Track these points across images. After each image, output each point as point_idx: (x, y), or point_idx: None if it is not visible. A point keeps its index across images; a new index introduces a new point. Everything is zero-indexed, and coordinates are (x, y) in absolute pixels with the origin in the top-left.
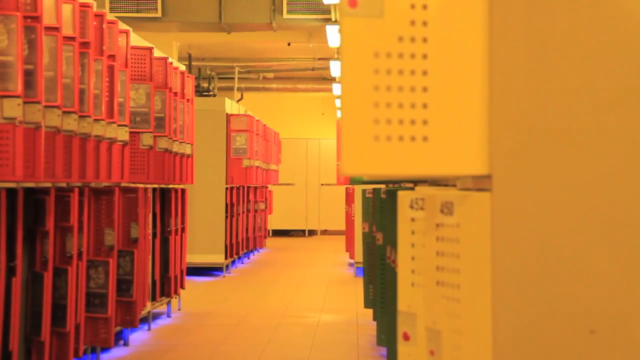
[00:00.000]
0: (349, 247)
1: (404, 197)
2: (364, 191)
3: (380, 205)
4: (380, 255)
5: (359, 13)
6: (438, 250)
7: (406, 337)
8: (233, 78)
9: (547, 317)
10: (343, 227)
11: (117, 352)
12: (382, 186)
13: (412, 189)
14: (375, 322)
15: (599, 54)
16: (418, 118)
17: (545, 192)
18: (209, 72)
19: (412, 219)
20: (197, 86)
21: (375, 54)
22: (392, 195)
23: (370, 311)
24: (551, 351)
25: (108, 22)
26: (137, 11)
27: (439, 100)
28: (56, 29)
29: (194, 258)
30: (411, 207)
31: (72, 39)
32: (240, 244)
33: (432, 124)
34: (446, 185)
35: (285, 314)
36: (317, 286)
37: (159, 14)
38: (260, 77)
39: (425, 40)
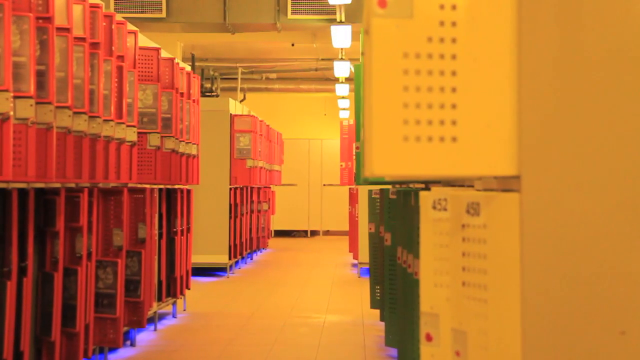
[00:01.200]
0: (353, 248)
1: (426, 198)
2: (370, 192)
3: (389, 206)
4: (389, 256)
5: (389, 14)
6: (464, 251)
7: (429, 338)
8: (236, 78)
9: (577, 318)
10: (345, 228)
11: (124, 352)
12: (389, 187)
13: (424, 189)
14: (382, 323)
15: (629, 52)
16: (447, 118)
17: (575, 193)
18: (212, 72)
19: (435, 220)
20: (200, 87)
21: (404, 55)
22: (404, 196)
23: (376, 312)
24: (581, 352)
25: (117, 23)
26: (142, 11)
27: (468, 100)
28: (67, 29)
29: (197, 258)
30: (434, 207)
31: (83, 39)
32: (244, 244)
33: (461, 125)
34: (461, 186)
35: (291, 314)
36: (321, 287)
37: (163, 15)
38: (263, 78)
39: (454, 40)
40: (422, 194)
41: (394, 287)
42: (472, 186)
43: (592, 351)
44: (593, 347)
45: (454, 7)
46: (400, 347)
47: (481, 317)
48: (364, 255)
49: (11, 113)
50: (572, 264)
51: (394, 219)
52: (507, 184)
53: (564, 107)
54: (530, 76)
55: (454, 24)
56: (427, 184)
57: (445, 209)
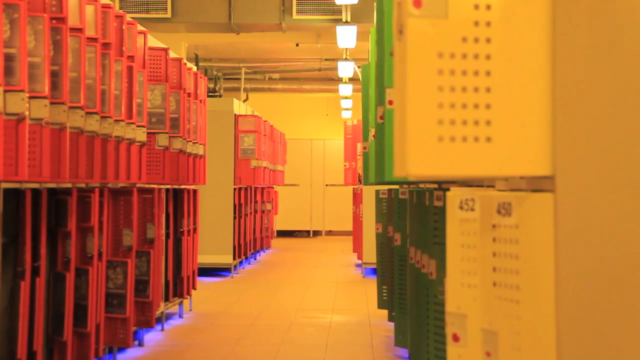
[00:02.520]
0: (357, 248)
1: (453, 199)
2: (377, 192)
3: (399, 206)
4: (399, 256)
5: (424, 14)
6: (495, 251)
7: (456, 339)
8: (238, 79)
9: (613, 318)
10: (348, 228)
11: (132, 352)
12: (397, 187)
13: (437, 189)
14: (389, 323)
15: None
16: (481, 119)
17: (610, 193)
18: (215, 72)
19: (462, 220)
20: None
21: (439, 55)
22: (418, 196)
23: (382, 312)
24: (617, 352)
25: (127, 23)
26: (147, 11)
27: (502, 100)
28: (79, 30)
29: (202, 258)
30: (461, 208)
31: (95, 40)
32: (248, 244)
33: (496, 125)
34: (480, 186)
35: (297, 314)
36: (326, 287)
37: (168, 15)
38: (266, 78)
39: (488, 40)
40: (449, 194)
41: (404, 287)
42: (493, 186)
43: (629, 351)
44: (630, 347)
45: (488, 7)
46: (412, 348)
47: (513, 318)
48: (369, 255)
49: (26, 113)
50: (607, 264)
51: (404, 219)
52: (537, 184)
53: (598, 107)
54: (565, 76)
55: (488, 24)
56: (440, 185)
57: (472, 209)
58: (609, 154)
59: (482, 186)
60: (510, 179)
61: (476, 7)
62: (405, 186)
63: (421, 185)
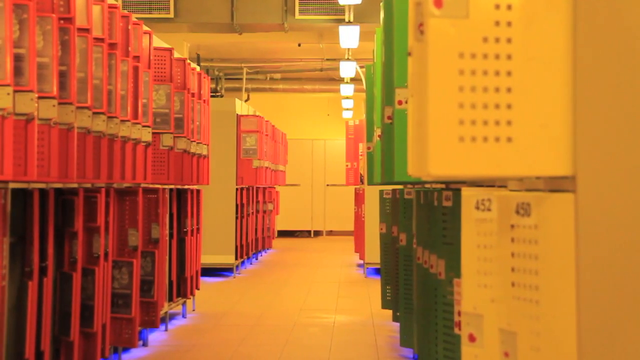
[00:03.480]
0: (359, 248)
1: (469, 199)
2: (381, 192)
3: (404, 206)
4: (405, 256)
5: (445, 14)
6: (513, 252)
7: (472, 339)
8: (240, 79)
9: (635, 318)
10: (349, 228)
11: (137, 352)
12: (401, 187)
13: (444, 189)
14: (393, 323)
15: None
16: (502, 119)
17: (631, 193)
18: (216, 72)
19: (479, 220)
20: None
21: (460, 55)
22: (426, 196)
23: (385, 312)
24: (638, 353)
25: (133, 24)
26: (149, 11)
27: (522, 100)
28: (87, 30)
29: (204, 258)
30: (477, 208)
31: (101, 40)
32: (250, 244)
33: (516, 125)
34: (491, 186)
35: (300, 314)
36: (328, 287)
37: (171, 15)
38: (268, 78)
39: (509, 40)
40: (465, 194)
41: (409, 288)
42: (505, 186)
43: None
44: None
45: (509, 7)
46: (419, 348)
47: (533, 318)
48: (371, 255)
49: (35, 113)
50: (629, 265)
51: (410, 219)
52: (555, 184)
53: (620, 106)
54: (586, 75)
55: (509, 23)
56: (448, 185)
57: (489, 209)
58: (631, 153)
59: (493, 186)
60: (526, 179)
61: (497, 7)
62: (409, 186)
63: (427, 186)
